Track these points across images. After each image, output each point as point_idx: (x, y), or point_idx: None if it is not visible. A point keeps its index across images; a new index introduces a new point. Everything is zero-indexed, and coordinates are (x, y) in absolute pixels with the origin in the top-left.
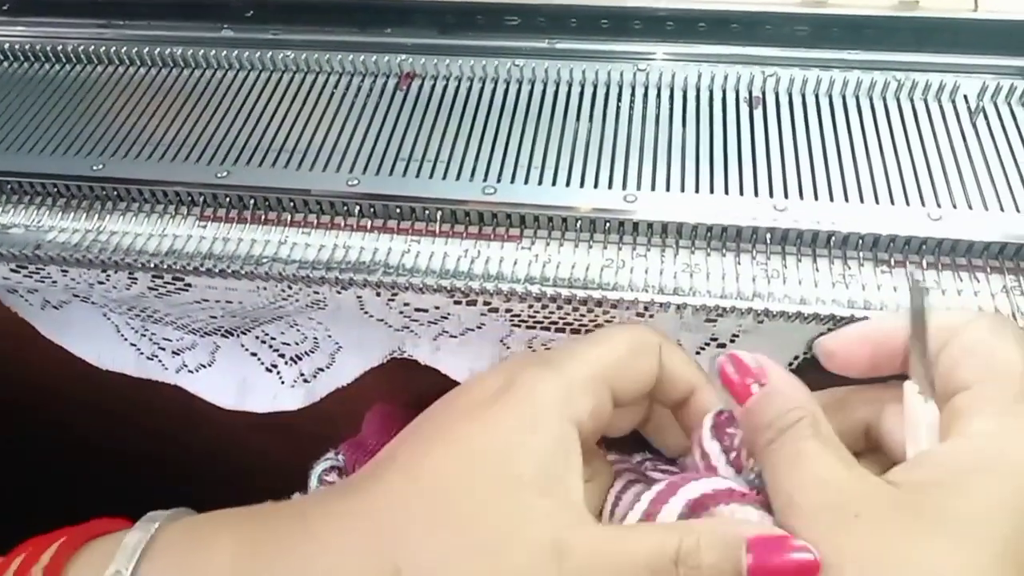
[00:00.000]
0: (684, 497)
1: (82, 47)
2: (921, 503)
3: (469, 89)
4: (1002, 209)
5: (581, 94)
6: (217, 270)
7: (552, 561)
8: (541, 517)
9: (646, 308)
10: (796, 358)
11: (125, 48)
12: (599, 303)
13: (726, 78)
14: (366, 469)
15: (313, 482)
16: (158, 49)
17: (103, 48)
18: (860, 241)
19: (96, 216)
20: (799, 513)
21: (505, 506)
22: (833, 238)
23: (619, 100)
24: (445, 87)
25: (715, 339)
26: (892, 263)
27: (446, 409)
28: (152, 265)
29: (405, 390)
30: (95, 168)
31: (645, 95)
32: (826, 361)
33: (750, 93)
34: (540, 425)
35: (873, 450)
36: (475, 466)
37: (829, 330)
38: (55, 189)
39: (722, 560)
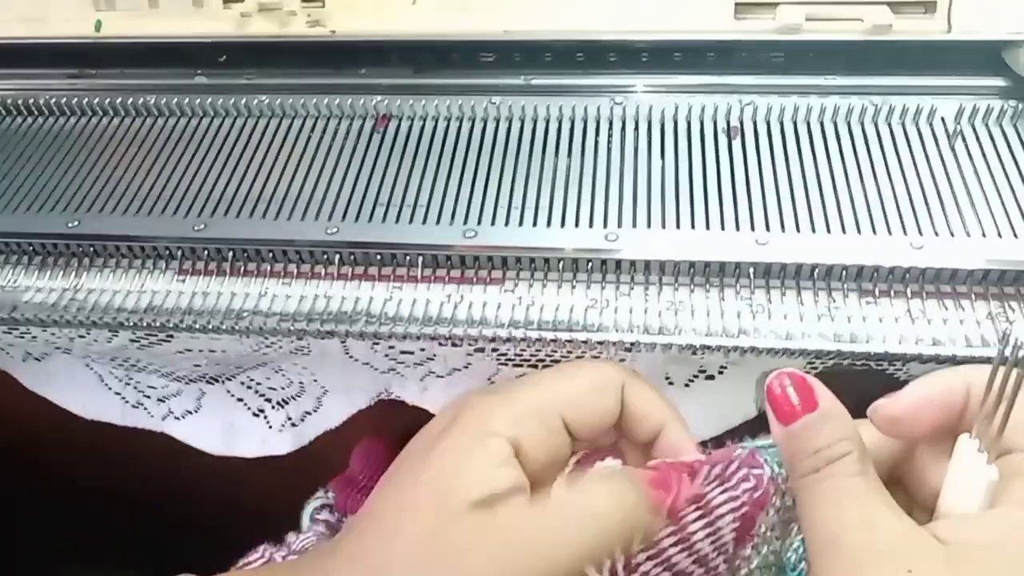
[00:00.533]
0: None
1: (53, 99)
2: (973, 567)
3: (447, 129)
4: (984, 235)
5: (559, 130)
6: (198, 326)
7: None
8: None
9: (631, 347)
10: None
11: (98, 99)
12: (584, 343)
13: (703, 109)
14: (356, 522)
15: (305, 521)
16: (131, 99)
17: (75, 99)
18: (844, 272)
19: (73, 274)
20: (843, 553)
21: (462, 530)
22: (816, 270)
23: (597, 135)
24: (422, 128)
25: (703, 371)
26: (876, 293)
27: (410, 452)
28: (131, 323)
29: (394, 425)
30: (70, 225)
31: (623, 129)
32: (888, 427)
33: (728, 123)
34: (485, 446)
35: (893, 484)
36: (434, 500)
37: (815, 359)
38: (30, 248)
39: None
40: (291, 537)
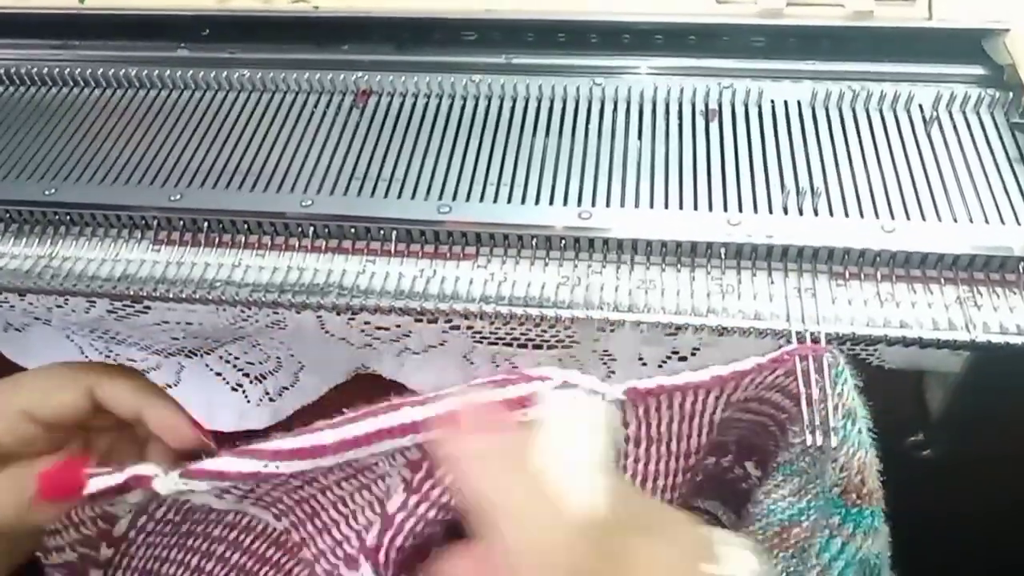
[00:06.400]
0: None
1: (36, 69)
2: None
3: (426, 106)
4: (955, 220)
5: (538, 109)
6: (171, 295)
7: None
8: None
9: (601, 327)
10: None
11: (80, 69)
12: (556, 321)
13: (682, 91)
14: None
15: None
16: (113, 70)
17: (57, 70)
18: (815, 254)
19: (49, 241)
20: None
21: None
22: (787, 252)
23: (575, 115)
24: (402, 104)
25: (676, 352)
26: (847, 276)
27: None
28: (105, 291)
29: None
30: (47, 193)
31: (601, 109)
32: None
33: (706, 106)
34: None
35: None
36: None
37: (787, 342)
38: (7, 215)
39: None
40: None
